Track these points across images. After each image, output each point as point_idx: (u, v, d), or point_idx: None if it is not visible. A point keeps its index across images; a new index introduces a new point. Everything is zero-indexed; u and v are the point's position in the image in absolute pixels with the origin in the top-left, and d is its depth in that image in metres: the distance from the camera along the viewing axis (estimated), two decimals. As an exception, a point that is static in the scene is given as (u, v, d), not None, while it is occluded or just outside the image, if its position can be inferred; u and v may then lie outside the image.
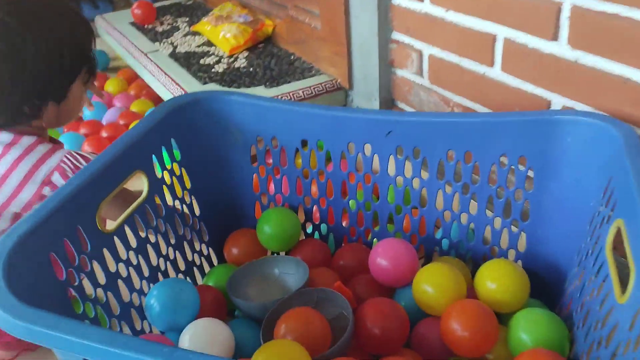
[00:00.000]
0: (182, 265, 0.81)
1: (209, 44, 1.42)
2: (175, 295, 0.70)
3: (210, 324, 0.68)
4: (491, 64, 0.85)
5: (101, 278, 0.66)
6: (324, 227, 0.88)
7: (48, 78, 0.72)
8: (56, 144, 0.78)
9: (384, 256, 0.76)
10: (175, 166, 0.80)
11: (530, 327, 0.64)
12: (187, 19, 1.61)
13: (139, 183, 0.74)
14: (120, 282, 0.69)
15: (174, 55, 1.37)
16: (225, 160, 0.85)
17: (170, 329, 0.70)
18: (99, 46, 1.02)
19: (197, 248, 0.85)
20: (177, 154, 0.81)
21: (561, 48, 0.75)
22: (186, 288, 0.71)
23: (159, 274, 0.76)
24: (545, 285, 0.76)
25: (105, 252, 0.67)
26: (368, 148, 0.80)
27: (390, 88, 1.09)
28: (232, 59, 1.33)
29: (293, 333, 0.64)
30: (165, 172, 0.78)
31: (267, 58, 1.31)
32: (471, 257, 0.83)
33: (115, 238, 0.69)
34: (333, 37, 1.14)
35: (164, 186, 0.77)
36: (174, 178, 0.79)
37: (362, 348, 0.68)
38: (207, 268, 0.87)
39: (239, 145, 0.84)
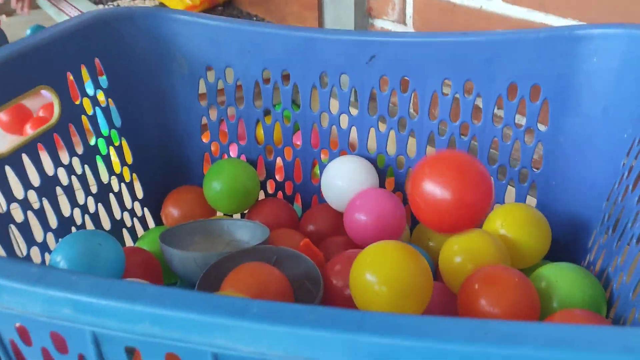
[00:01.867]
0: (106, 224, 0.63)
1: (162, 5, 1.27)
2: (90, 251, 0.52)
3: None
4: None
5: (-19, 217, 0.48)
6: (289, 186, 0.72)
7: None
8: None
9: (363, 210, 0.60)
10: (101, 95, 0.63)
11: (558, 283, 0.49)
12: None
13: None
14: (13, 228, 0.51)
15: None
16: (166, 97, 0.68)
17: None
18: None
19: (129, 206, 0.67)
20: (104, 80, 0.64)
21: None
22: (106, 243, 0.53)
23: (73, 228, 0.58)
24: (562, 247, 0.61)
25: (-10, 183, 0.49)
26: (345, 80, 0.65)
27: None
28: None
29: (242, 294, 0.47)
30: (85, 99, 0.60)
31: None
32: (468, 219, 0.67)
33: (8, 168, 0.51)
34: None
35: (84, 117, 0.60)
36: (97, 109, 0.62)
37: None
38: (140, 232, 0.69)
39: (184, 78, 0.68)
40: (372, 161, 0.68)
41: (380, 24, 0.91)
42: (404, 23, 0.87)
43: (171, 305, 0.26)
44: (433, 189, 0.52)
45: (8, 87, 0.51)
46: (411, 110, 0.64)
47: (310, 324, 0.24)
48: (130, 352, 0.29)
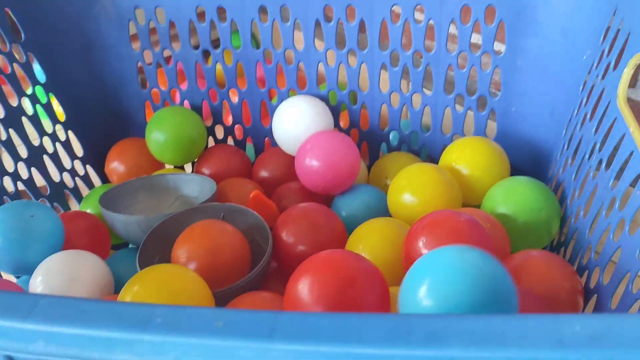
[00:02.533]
0: (45, 189, 0.59)
1: None
2: (22, 225, 0.48)
3: (72, 257, 0.47)
4: None
5: None
6: (238, 130, 0.68)
7: None
8: None
9: (315, 154, 0.57)
10: (17, 50, 0.57)
11: (511, 196, 0.48)
12: None
13: None
14: None
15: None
16: (93, 44, 0.62)
17: (19, 271, 0.49)
18: None
19: (68, 166, 0.63)
20: (19, 33, 0.57)
21: None
22: (42, 213, 0.50)
23: (7, 198, 0.54)
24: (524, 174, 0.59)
25: None
26: (286, 12, 0.59)
27: None
28: None
29: (193, 257, 0.45)
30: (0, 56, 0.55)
31: None
32: (428, 153, 0.65)
33: None
34: None
35: (1, 76, 0.55)
36: (15, 65, 0.56)
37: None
38: (86, 192, 0.65)
39: (111, 22, 0.62)
40: (324, 98, 0.64)
41: None
42: None
43: (66, 320, 0.23)
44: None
45: None
46: (360, 40, 0.60)
47: (220, 334, 0.22)
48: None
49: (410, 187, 0.51)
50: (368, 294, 0.34)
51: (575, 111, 0.52)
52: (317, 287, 0.33)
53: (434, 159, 0.64)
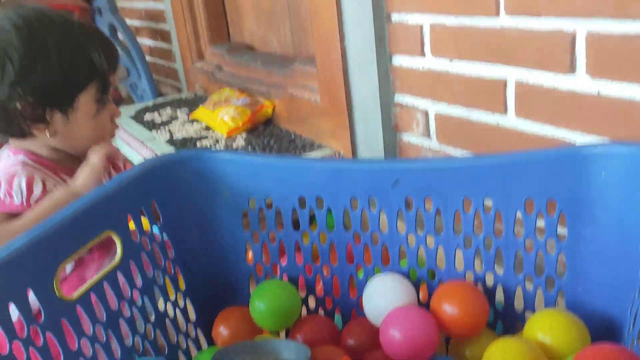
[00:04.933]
0: (164, 348, 0.69)
1: (207, 128, 1.39)
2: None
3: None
4: (504, 110, 0.78)
5: (57, 356, 0.54)
6: (329, 301, 0.77)
7: (54, 78, 0.71)
8: None
9: (397, 326, 0.64)
10: (157, 231, 0.71)
11: None
12: (187, 109, 1.59)
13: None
14: (82, 363, 0.57)
15: (171, 142, 1.33)
16: (214, 227, 0.76)
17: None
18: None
19: (183, 329, 0.73)
20: (158, 218, 0.72)
21: (580, 81, 0.68)
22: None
23: (135, 356, 0.64)
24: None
25: (65, 324, 0.56)
26: (373, 202, 0.71)
27: (396, 154, 1.02)
28: (230, 141, 1.28)
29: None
30: (144, 237, 0.68)
31: (267, 137, 1.26)
32: (502, 327, 0.70)
33: (79, 308, 0.58)
34: (334, 109, 1.09)
35: (143, 254, 0.68)
36: (154, 245, 0.70)
37: None
38: (194, 353, 0.74)
39: (229, 209, 0.75)
40: (405, 274, 0.72)
41: (406, 137, 0.98)
42: (428, 137, 0.93)
43: None
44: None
45: (80, 234, 0.59)
46: (437, 225, 0.69)
47: None
48: None
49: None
50: None
51: (636, 295, 0.57)
52: None
53: (508, 332, 0.69)
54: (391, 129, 1.00)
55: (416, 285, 0.72)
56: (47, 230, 0.55)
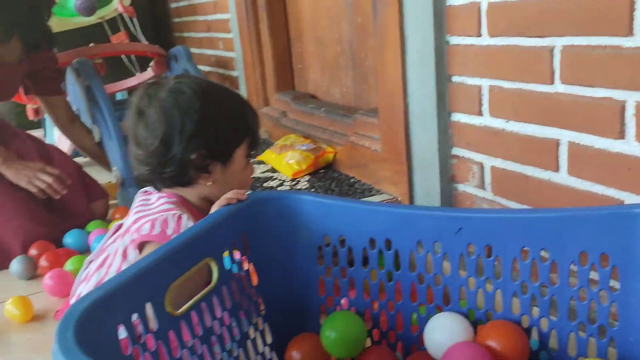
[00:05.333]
0: (243, 367, 0.78)
1: (273, 170, 1.49)
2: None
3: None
4: (556, 168, 0.85)
5: (164, 361, 0.64)
6: (392, 335, 0.84)
7: (220, 135, 0.83)
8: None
9: (457, 361, 0.70)
10: (245, 260, 0.80)
11: None
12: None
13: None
14: (182, 371, 0.66)
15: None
16: (293, 260, 0.85)
17: None
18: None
19: (260, 350, 0.81)
20: (247, 250, 0.81)
21: (629, 146, 0.75)
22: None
23: (222, 371, 0.73)
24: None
25: (171, 335, 0.65)
26: (438, 246, 0.78)
27: (452, 203, 1.09)
28: (294, 182, 1.38)
29: None
30: (234, 265, 0.78)
31: (328, 181, 1.35)
32: (555, 371, 0.75)
33: (182, 322, 0.67)
34: (394, 158, 1.18)
35: (233, 280, 0.77)
36: (242, 273, 0.79)
37: None
38: (268, 374, 0.82)
39: (306, 245, 0.84)
40: (464, 314, 0.79)
41: (462, 188, 1.06)
42: (483, 188, 1.01)
43: None
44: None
45: (185, 262, 0.69)
46: (496, 272, 0.76)
47: None
48: None
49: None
50: None
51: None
52: None
53: (560, 377, 0.74)
54: (448, 179, 1.07)
55: (474, 325, 0.79)
56: (160, 257, 0.66)
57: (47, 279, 1.16)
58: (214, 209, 0.79)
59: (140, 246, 0.80)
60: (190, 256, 0.70)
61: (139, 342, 0.60)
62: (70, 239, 1.38)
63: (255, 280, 0.82)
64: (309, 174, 1.42)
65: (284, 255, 0.85)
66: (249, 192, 0.83)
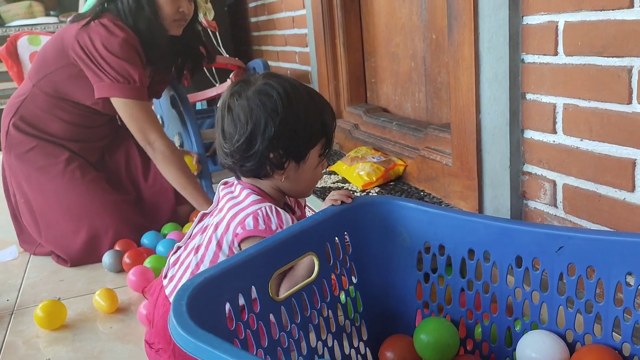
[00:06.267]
0: (338, 357, 0.83)
1: (344, 181, 1.54)
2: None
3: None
4: (632, 189, 0.82)
5: (264, 340, 0.71)
6: (485, 346, 0.85)
7: (298, 136, 0.88)
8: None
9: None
10: (346, 258, 0.86)
11: None
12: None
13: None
14: (279, 350, 0.74)
15: (313, 191, 1.49)
16: (392, 262, 0.89)
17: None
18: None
19: (355, 344, 0.87)
20: (349, 248, 0.87)
21: None
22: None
23: (316, 357, 0.79)
24: None
25: (271, 318, 0.73)
26: (537, 263, 0.78)
27: (521, 219, 1.06)
28: (364, 194, 1.41)
29: None
30: (336, 262, 0.84)
31: (398, 193, 1.37)
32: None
33: (282, 308, 0.75)
34: (464, 172, 1.17)
35: (333, 275, 0.83)
36: (342, 269, 0.85)
37: None
38: (361, 369, 0.87)
39: (406, 249, 0.88)
40: (561, 335, 0.78)
41: (533, 205, 1.03)
42: (555, 206, 0.97)
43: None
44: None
45: (290, 253, 0.77)
46: (597, 294, 0.74)
47: None
48: None
49: None
50: None
51: None
52: None
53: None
54: (518, 195, 1.05)
55: (571, 347, 0.77)
56: (268, 246, 0.74)
57: (131, 275, 1.28)
58: (322, 207, 0.86)
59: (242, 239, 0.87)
60: (295, 249, 0.78)
61: (242, 319, 0.69)
62: (146, 239, 1.52)
63: (354, 278, 0.87)
64: (379, 186, 1.45)
65: (383, 258, 0.89)
66: (362, 196, 0.89)
